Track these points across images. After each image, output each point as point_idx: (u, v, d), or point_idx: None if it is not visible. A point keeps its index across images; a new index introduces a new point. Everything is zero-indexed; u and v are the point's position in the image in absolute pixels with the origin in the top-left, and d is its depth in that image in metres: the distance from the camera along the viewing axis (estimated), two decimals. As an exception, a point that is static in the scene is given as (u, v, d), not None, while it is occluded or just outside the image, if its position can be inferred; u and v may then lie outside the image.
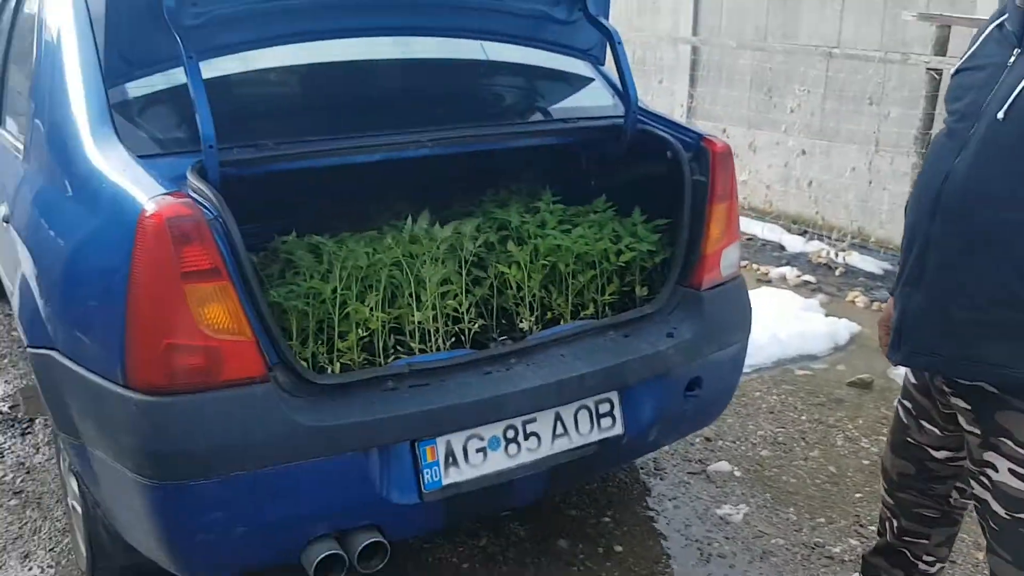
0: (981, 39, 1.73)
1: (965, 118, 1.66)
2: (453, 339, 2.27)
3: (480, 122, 2.49)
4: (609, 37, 2.51)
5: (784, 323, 4.25)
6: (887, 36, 5.10)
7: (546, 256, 2.38)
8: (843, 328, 4.29)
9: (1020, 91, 1.54)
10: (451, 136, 2.31)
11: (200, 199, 1.83)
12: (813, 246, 5.55)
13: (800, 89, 5.60)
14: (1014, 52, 1.61)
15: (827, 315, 4.47)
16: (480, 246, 2.37)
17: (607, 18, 2.59)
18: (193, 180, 1.88)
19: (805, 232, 5.72)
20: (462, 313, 2.28)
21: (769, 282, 5.11)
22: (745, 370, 3.79)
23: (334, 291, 2.07)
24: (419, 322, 2.21)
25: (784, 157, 5.84)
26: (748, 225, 5.96)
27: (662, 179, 2.48)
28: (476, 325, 2.29)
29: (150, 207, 1.76)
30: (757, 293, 4.62)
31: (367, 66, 2.64)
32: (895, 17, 4.99)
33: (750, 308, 2.55)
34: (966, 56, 1.75)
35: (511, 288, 2.38)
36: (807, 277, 5.13)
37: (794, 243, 5.68)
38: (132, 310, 1.77)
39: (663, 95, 6.68)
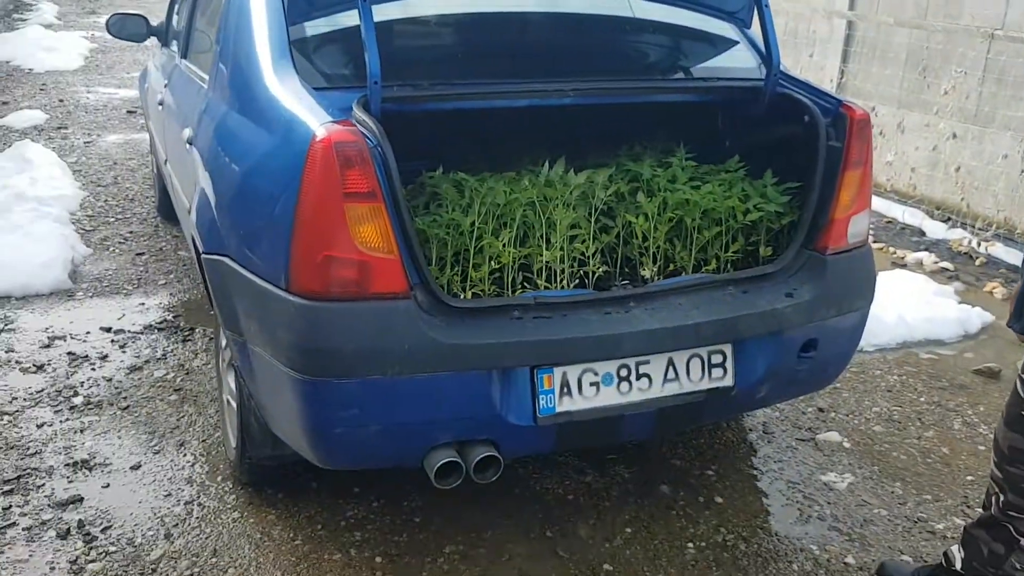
0: None
1: None
2: (577, 281, 2.41)
3: (622, 76, 2.59)
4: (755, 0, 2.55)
5: (914, 306, 4.17)
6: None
7: (674, 209, 2.47)
8: (975, 316, 4.17)
9: None
10: (593, 87, 2.43)
11: (363, 129, 2.03)
12: (955, 234, 5.36)
13: (957, 71, 5.37)
14: None
15: (960, 302, 4.35)
16: (611, 195, 2.49)
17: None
18: (358, 112, 2.08)
19: (948, 219, 5.52)
20: (588, 257, 2.41)
21: (904, 266, 4.99)
22: (868, 349, 3.80)
23: (472, 224, 2.24)
24: (547, 262, 2.36)
25: (933, 140, 5.63)
26: (889, 208, 5.81)
27: (797, 143, 2.52)
28: (600, 269, 2.42)
29: (320, 132, 1.98)
30: (890, 275, 4.55)
31: (517, 17, 2.78)
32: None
33: (874, 278, 2.57)
34: None
35: (637, 238, 2.49)
36: (945, 264, 4.98)
37: (935, 229, 5.50)
38: (298, 223, 1.99)
39: (812, 69, 6.53)
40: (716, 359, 2.31)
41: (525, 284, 2.36)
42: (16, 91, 8.42)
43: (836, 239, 2.45)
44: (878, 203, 5.82)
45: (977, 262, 5.03)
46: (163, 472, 2.78)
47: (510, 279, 2.32)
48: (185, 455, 2.88)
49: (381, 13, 2.34)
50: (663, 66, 2.92)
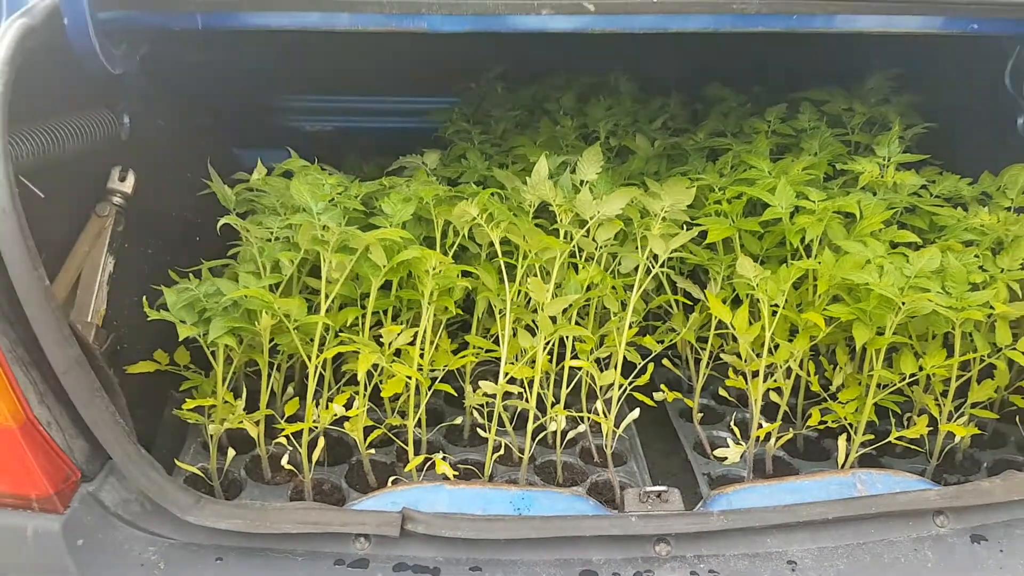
0: None
1: None
2: (574, 425, 1.09)
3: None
4: None
5: None
6: None
7: (830, 298, 1.04)
8: None
9: None
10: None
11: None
12: None
13: None
14: None
15: None
16: (691, 244, 1.10)
17: None
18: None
19: None
20: (603, 389, 1.08)
21: None
22: None
23: (329, 306, 0.99)
24: (512, 386, 1.06)
25: None
26: None
27: None
28: (624, 420, 1.07)
29: None
30: None
31: None
32: None
33: None
34: None
35: (737, 348, 1.09)
36: None
37: None
38: None
39: None
40: None
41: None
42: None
43: None
44: None
45: None
46: None
47: (415, 416, 1.06)
48: None
49: None
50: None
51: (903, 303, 0.98)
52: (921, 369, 1.04)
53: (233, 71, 1.54)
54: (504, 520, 0.92)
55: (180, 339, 1.00)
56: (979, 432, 1.12)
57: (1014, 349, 1.02)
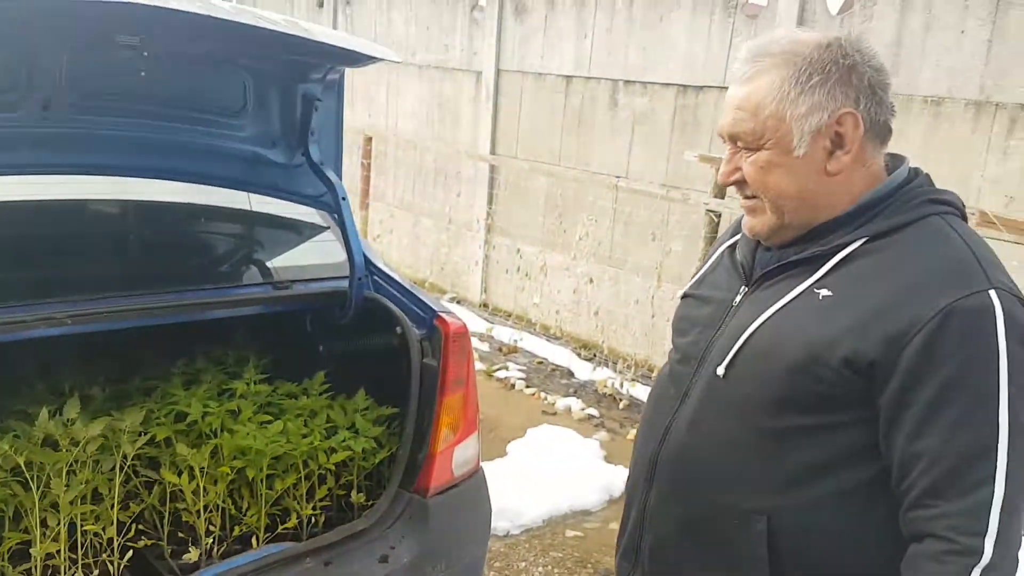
0: (712, 258, 1.45)
1: (687, 360, 1.35)
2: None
3: (157, 286, 2.01)
4: (332, 191, 2.13)
5: (560, 470, 3.97)
6: (672, 172, 5.10)
7: (232, 459, 1.91)
8: (619, 477, 4.04)
9: (743, 343, 1.22)
10: (100, 311, 1.81)
11: None
12: (600, 374, 5.37)
13: (588, 217, 5.50)
14: (740, 290, 1.31)
15: (606, 457, 4.24)
16: (147, 445, 1.87)
17: (338, 165, 2.22)
18: None
19: (593, 357, 5.56)
20: (104, 543, 1.76)
21: (555, 413, 4.86)
22: (514, 531, 3.47)
23: None
24: (46, 556, 1.67)
25: (574, 283, 5.70)
26: (540, 347, 5.76)
27: (393, 357, 2.12)
28: (124, 559, 1.77)
29: None
30: (538, 432, 4.37)
31: None
32: (679, 155, 5.00)
33: (488, 511, 2.19)
34: (696, 278, 1.45)
35: (185, 502, 1.88)
36: (591, 411, 4.91)
37: (582, 370, 5.49)
38: None
39: (462, 209, 6.45)
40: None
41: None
42: None
43: (439, 476, 2.04)
44: (530, 342, 5.78)
45: (621, 405, 5.03)
46: None
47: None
48: None
49: None
50: (227, 265, 2.39)
51: (270, 452, 1.90)
52: (287, 485, 1.96)
53: None
54: None
55: None
56: (326, 515, 2.06)
57: (330, 465, 2.00)
